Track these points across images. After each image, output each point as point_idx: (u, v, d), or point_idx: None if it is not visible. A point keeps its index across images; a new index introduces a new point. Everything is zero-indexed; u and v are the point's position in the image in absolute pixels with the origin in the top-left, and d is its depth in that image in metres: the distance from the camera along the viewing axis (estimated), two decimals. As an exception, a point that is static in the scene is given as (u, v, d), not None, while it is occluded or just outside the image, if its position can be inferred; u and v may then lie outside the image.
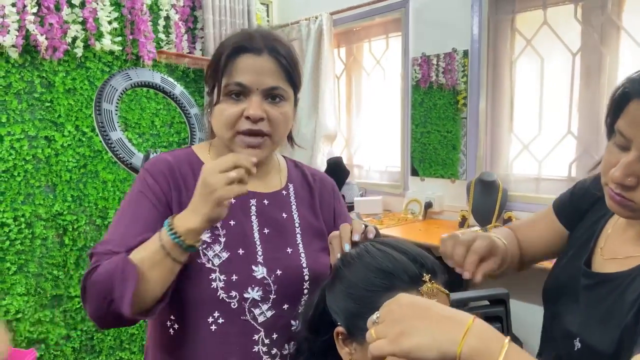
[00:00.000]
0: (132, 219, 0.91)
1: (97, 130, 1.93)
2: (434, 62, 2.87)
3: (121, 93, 2.00)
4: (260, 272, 0.95)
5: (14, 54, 2.54)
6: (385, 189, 3.29)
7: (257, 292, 0.93)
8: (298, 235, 1.02)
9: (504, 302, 1.94)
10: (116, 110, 1.98)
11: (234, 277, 0.92)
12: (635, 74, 0.76)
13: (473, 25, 2.68)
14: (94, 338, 2.91)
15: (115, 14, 2.85)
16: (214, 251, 0.93)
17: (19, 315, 2.63)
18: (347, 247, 0.84)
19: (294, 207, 1.04)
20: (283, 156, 1.14)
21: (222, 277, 0.92)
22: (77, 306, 2.83)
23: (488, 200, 2.52)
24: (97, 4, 2.77)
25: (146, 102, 3.07)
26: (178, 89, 2.21)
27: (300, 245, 1.01)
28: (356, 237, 0.86)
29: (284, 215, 1.03)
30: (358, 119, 3.60)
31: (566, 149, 2.49)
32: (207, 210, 0.80)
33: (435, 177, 2.97)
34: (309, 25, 3.35)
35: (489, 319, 1.93)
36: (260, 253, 0.96)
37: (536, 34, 2.54)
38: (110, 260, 0.83)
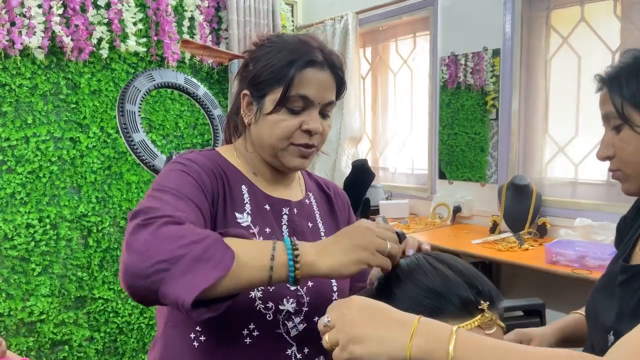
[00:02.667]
0: (182, 188, 0.82)
1: (120, 131, 1.90)
2: (462, 62, 2.81)
3: (144, 94, 1.97)
4: None
5: (40, 55, 2.56)
6: (412, 192, 3.22)
7: (291, 304, 0.89)
8: None
9: (539, 313, 1.85)
10: (139, 111, 1.95)
11: (271, 288, 0.87)
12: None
13: (505, 22, 2.59)
14: (117, 340, 2.90)
15: (140, 15, 2.85)
16: None
17: (43, 317, 2.64)
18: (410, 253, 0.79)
19: (317, 216, 1.02)
20: None
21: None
22: (101, 308, 2.83)
23: (521, 205, 2.43)
24: (123, 5, 2.77)
25: (170, 103, 3.06)
26: (202, 89, 2.17)
27: None
28: (410, 252, 0.80)
29: (310, 224, 1.00)
30: (384, 120, 3.55)
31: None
32: (342, 261, 0.71)
33: (463, 180, 2.88)
34: (334, 25, 3.32)
35: None
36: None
37: (573, 31, 2.45)
38: (192, 232, 0.70)
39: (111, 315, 2.87)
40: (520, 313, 1.88)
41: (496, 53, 2.65)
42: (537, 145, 2.62)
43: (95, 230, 2.80)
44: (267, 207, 0.95)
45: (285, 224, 0.96)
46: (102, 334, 2.85)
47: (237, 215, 0.91)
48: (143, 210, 0.73)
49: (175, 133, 3.09)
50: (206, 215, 0.84)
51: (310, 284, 0.92)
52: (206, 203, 0.85)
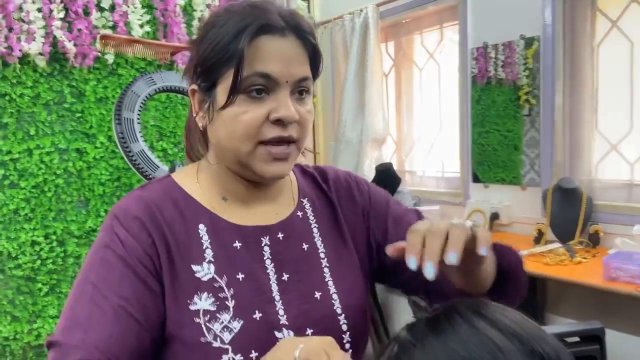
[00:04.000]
0: (102, 290, 0.67)
1: (116, 141, 1.73)
2: (492, 55, 2.65)
3: (144, 99, 1.80)
4: (286, 337, 0.71)
5: (41, 63, 2.44)
6: (443, 198, 3.04)
7: None
8: (326, 270, 0.78)
9: (598, 338, 1.61)
10: (138, 118, 1.78)
11: (254, 354, 0.68)
12: None
13: (545, 7, 2.38)
14: (131, 362, 2.76)
15: (148, 17, 2.70)
16: (222, 322, 0.69)
17: None
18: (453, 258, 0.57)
19: (315, 230, 0.81)
20: None
21: (237, 357, 0.68)
22: (112, 329, 2.69)
23: (569, 211, 2.19)
24: (128, 6, 2.63)
25: (182, 109, 2.91)
26: (208, 92, 1.99)
27: (330, 283, 0.78)
28: (483, 252, 0.59)
29: (305, 246, 0.79)
30: (409, 120, 3.38)
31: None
32: None
33: (498, 182, 2.70)
34: (353, 19, 3.16)
35: (581, 359, 1.62)
36: (282, 312, 0.72)
37: (623, 14, 2.23)
38: None
39: (124, 335, 2.73)
40: (577, 339, 1.65)
41: (529, 44, 2.48)
42: (584, 143, 2.41)
43: (104, 246, 2.66)
44: (237, 245, 0.74)
45: (268, 258, 0.75)
46: (114, 356, 2.71)
47: (195, 268, 0.71)
48: (58, 346, 0.63)
49: (187, 141, 2.93)
50: (150, 296, 0.68)
51: (309, 331, 0.73)
52: (150, 279, 0.69)
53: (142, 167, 1.73)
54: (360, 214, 0.85)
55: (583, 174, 2.40)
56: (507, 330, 0.50)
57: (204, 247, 0.72)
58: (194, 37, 0.75)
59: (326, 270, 0.78)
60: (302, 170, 0.88)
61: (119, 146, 1.73)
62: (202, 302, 0.69)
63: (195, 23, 2.90)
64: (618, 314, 1.93)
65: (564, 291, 2.32)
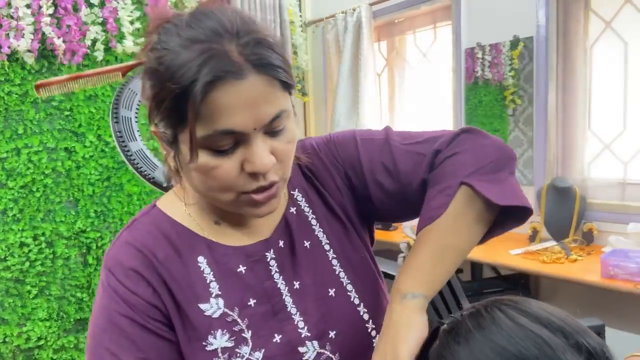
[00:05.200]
0: (124, 359, 0.64)
1: (114, 140, 1.70)
2: (479, 55, 2.67)
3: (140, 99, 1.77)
4: (311, 350, 0.68)
5: (29, 60, 2.40)
6: None
7: None
8: (334, 261, 0.75)
9: (598, 335, 1.63)
10: (136, 117, 1.75)
11: None
12: None
13: (538, 8, 2.39)
14: (122, 365, 2.72)
15: (138, 13, 2.68)
16: (243, 356, 0.66)
17: (41, 342, 2.49)
18: None
19: (313, 222, 0.76)
20: None
21: None
22: (103, 331, 2.65)
23: (563, 210, 2.21)
24: (118, 2, 2.61)
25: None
26: (206, 91, 1.96)
27: (342, 275, 0.74)
28: None
29: (307, 244, 0.74)
30: (402, 119, 3.37)
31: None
32: None
33: None
34: (345, 19, 3.15)
35: None
36: (302, 325, 0.69)
37: (617, 15, 2.26)
38: None
39: (115, 337, 2.69)
40: None
41: (514, 45, 2.51)
42: (577, 142, 2.43)
43: (94, 247, 2.62)
44: (241, 269, 0.69)
45: (276, 272, 0.71)
46: (105, 359, 2.67)
47: (202, 307, 0.66)
48: None
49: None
50: (168, 348, 0.66)
51: (331, 334, 0.70)
52: (165, 332, 0.66)
53: (141, 167, 1.70)
54: (342, 183, 0.78)
55: (576, 173, 2.42)
56: (550, 325, 0.51)
57: (208, 282, 0.68)
58: (145, 54, 0.63)
59: (335, 262, 0.75)
60: None
61: (117, 145, 1.69)
62: (218, 341, 0.66)
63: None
64: (616, 312, 1.96)
65: (560, 289, 2.34)
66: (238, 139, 0.59)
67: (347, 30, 3.10)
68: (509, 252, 2.15)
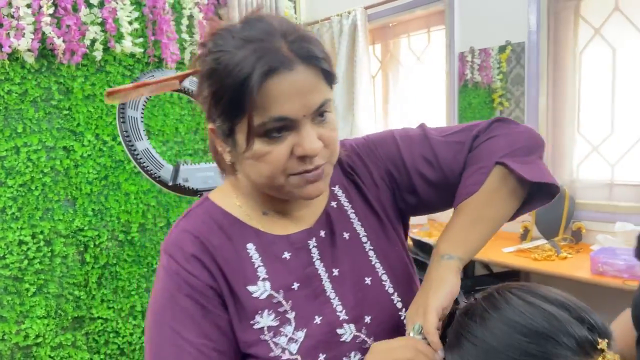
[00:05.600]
0: (183, 333, 0.70)
1: (121, 140, 1.72)
2: (469, 58, 2.74)
3: (147, 98, 1.80)
4: (348, 332, 0.73)
5: (29, 59, 2.41)
6: None
7: (355, 357, 0.73)
8: (371, 252, 0.80)
9: None
10: (142, 117, 1.78)
11: (322, 357, 0.71)
12: None
13: (530, 14, 2.46)
14: (119, 362, 2.73)
15: (136, 14, 2.69)
16: (286, 335, 0.71)
17: (39, 340, 2.49)
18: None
19: (352, 216, 0.82)
20: None
21: None
22: (100, 328, 2.68)
23: (553, 210, 2.28)
24: (117, 3, 2.62)
25: (170, 107, 2.89)
26: (208, 92, 1.99)
27: (378, 265, 0.80)
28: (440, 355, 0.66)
29: (346, 235, 0.80)
30: (396, 120, 3.41)
31: (644, 151, 2.25)
32: None
33: None
34: (341, 21, 3.19)
35: None
36: (340, 308, 0.75)
37: (606, 22, 2.33)
38: None
39: (111, 335, 2.71)
40: None
41: (502, 49, 2.57)
42: (566, 145, 2.50)
43: (92, 245, 2.63)
44: (286, 255, 0.75)
45: (317, 259, 0.76)
46: (102, 356, 2.68)
47: (251, 289, 0.72)
48: None
49: (175, 139, 2.91)
50: (224, 324, 0.72)
51: (367, 319, 0.75)
52: (220, 311, 0.72)
53: (147, 166, 1.72)
54: (382, 180, 0.83)
55: (565, 174, 2.48)
56: (557, 302, 0.57)
57: (256, 266, 0.73)
58: (201, 61, 0.69)
59: (371, 253, 0.80)
60: None
61: (124, 145, 1.71)
62: (265, 320, 0.71)
63: (185, 21, 2.89)
64: (604, 307, 2.02)
65: (551, 285, 2.37)
66: (289, 126, 0.65)
67: (343, 32, 3.15)
68: (502, 249, 2.22)
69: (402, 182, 0.83)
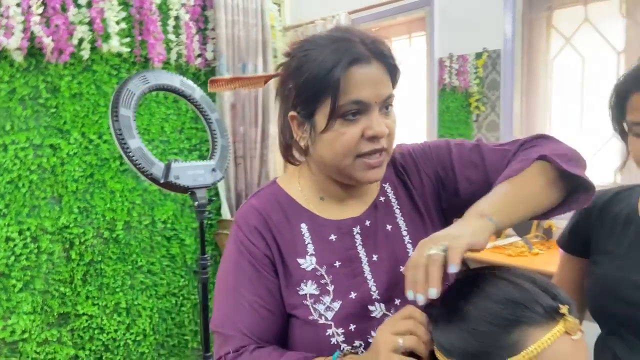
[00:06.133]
0: (241, 290, 0.86)
1: (114, 137, 1.77)
2: (447, 64, 2.83)
3: (139, 97, 1.85)
4: (378, 310, 0.85)
5: (18, 57, 2.43)
6: None
7: None
8: (409, 245, 0.90)
9: None
10: (134, 116, 1.83)
11: (352, 327, 0.83)
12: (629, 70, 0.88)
13: (505, 23, 2.57)
14: (103, 358, 2.78)
15: (123, 14, 2.73)
16: (324, 304, 0.84)
17: (25, 335, 2.50)
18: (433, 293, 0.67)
19: (397, 211, 0.93)
20: None
21: (339, 330, 0.83)
22: (85, 324, 2.69)
23: (526, 209, 2.39)
24: (105, 3, 2.65)
25: (155, 106, 2.93)
26: (198, 92, 2.06)
27: None
28: (453, 269, 0.67)
29: (388, 227, 0.91)
30: None
31: (610, 153, 2.38)
32: None
33: None
34: (325, 25, 3.25)
35: None
36: (374, 289, 0.86)
37: (576, 32, 2.45)
38: None
39: (96, 332, 2.73)
40: None
41: (479, 55, 2.69)
42: None
43: (77, 243, 2.65)
44: (332, 237, 0.88)
45: (359, 244, 0.88)
46: (87, 352, 2.71)
47: (299, 261, 0.86)
48: (220, 335, 0.86)
49: (161, 138, 2.95)
50: (274, 287, 0.87)
51: (397, 301, 0.86)
52: (271, 276, 0.87)
53: (140, 163, 1.78)
54: (430, 181, 0.93)
55: None
56: (527, 278, 0.67)
57: (306, 243, 0.87)
58: (285, 64, 0.85)
59: (409, 246, 0.90)
60: None
61: (116, 143, 1.76)
62: (308, 288, 0.84)
63: (171, 22, 2.93)
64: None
65: None
66: (362, 110, 0.79)
67: None
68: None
69: (448, 183, 0.92)
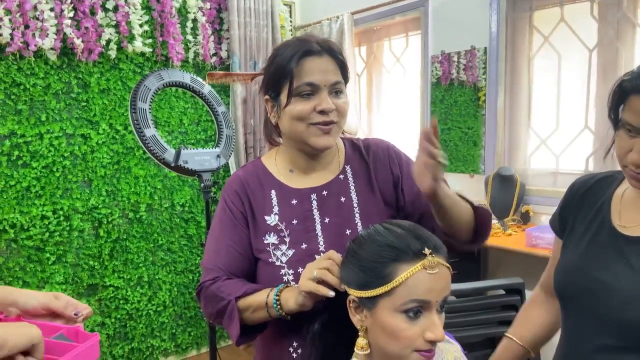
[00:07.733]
0: (222, 236, 1.12)
1: (132, 127, 2.05)
2: (455, 59, 2.92)
3: (154, 92, 2.12)
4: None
5: (52, 56, 2.68)
6: None
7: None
8: (357, 214, 1.11)
9: (519, 291, 2.00)
10: (150, 108, 2.10)
11: (300, 270, 1.03)
12: (632, 71, 0.88)
13: (491, 22, 2.72)
14: (127, 326, 3.05)
15: (146, 17, 2.97)
16: (281, 250, 1.08)
17: None
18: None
19: (352, 188, 1.13)
20: (341, 138, 1.22)
21: (290, 271, 1.06)
22: (111, 295, 2.98)
23: (506, 195, 2.58)
24: (129, 8, 2.88)
25: (175, 101, 3.19)
26: (206, 88, 2.33)
27: (359, 225, 1.10)
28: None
29: (342, 199, 1.12)
30: (379, 116, 3.66)
31: (583, 143, 2.52)
32: (295, 297, 0.96)
33: (451, 171, 3.01)
34: (330, 24, 3.43)
35: (505, 307, 2.00)
36: (322, 243, 1.09)
37: (553, 31, 2.58)
38: (222, 295, 1.05)
39: (121, 302, 3.02)
40: (502, 292, 2.04)
41: (484, 51, 2.77)
42: (521, 137, 2.75)
43: (105, 222, 2.93)
44: (294, 201, 1.11)
45: (315, 208, 1.11)
46: (112, 320, 2.99)
47: (266, 218, 1.11)
48: (204, 267, 1.13)
49: (179, 129, 3.22)
50: (245, 236, 1.11)
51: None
52: (243, 227, 1.12)
53: (154, 149, 2.06)
54: (392, 181, 1.15)
55: (519, 164, 2.74)
56: (405, 228, 0.87)
57: (273, 205, 1.11)
58: (265, 64, 1.11)
59: (357, 215, 1.11)
60: (352, 144, 1.20)
61: (134, 131, 2.04)
62: (271, 238, 1.09)
63: (189, 24, 3.20)
64: (537, 274, 2.33)
65: (501, 257, 2.68)
66: (314, 91, 1.03)
67: (332, 35, 3.38)
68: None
69: (399, 192, 1.17)
